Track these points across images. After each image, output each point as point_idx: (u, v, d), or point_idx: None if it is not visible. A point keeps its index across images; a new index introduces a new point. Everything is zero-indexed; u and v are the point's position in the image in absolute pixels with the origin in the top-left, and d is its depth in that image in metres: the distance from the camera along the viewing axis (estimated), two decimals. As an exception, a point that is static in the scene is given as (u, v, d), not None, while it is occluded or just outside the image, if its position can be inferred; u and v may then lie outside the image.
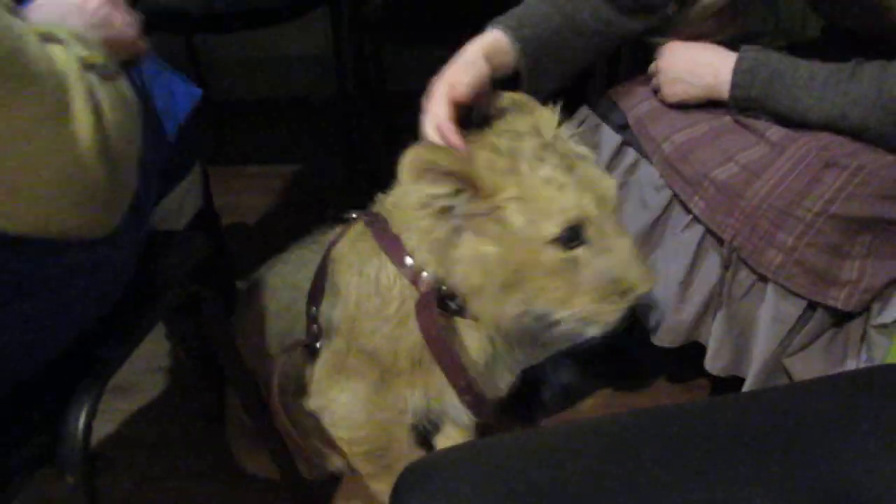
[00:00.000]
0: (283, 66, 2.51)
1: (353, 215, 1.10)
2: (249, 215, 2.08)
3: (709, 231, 1.11)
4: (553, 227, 0.87)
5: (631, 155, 1.18)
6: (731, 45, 1.14)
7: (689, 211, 1.12)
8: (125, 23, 0.94)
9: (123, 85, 0.81)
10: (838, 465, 0.69)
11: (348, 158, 2.24)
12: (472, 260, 0.90)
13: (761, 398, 0.92)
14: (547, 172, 0.87)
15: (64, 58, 0.71)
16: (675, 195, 1.13)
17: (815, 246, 1.03)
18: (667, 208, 1.15)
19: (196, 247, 1.15)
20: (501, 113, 0.98)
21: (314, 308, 1.09)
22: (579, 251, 0.88)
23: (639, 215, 1.17)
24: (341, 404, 1.11)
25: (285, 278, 1.21)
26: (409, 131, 0.95)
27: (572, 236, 0.87)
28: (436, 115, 0.93)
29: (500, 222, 0.88)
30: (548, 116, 0.97)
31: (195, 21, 1.96)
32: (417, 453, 1.14)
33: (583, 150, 0.95)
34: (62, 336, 0.92)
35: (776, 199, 1.03)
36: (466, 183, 0.87)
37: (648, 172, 1.16)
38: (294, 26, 2.09)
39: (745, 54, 1.08)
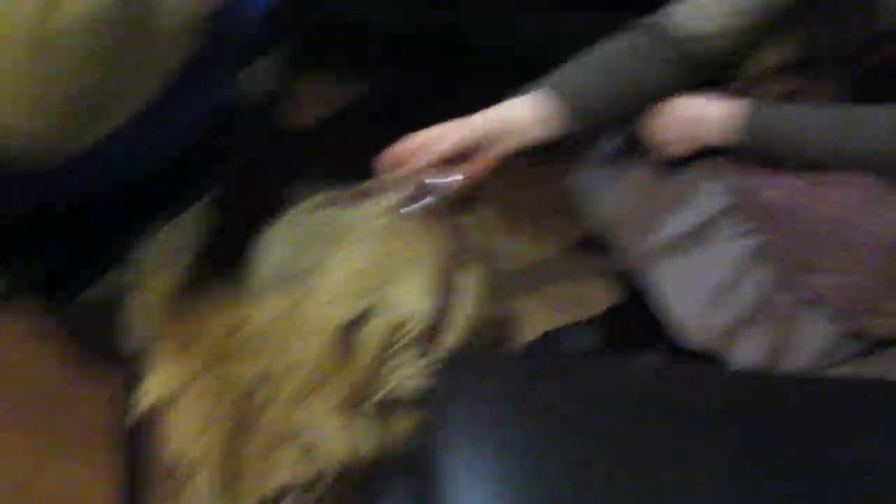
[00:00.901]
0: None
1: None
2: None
3: (758, 248, 1.09)
4: None
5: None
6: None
7: (739, 223, 1.10)
8: None
9: None
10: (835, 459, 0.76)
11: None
12: None
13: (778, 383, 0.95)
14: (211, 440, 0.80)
15: None
16: (729, 206, 1.11)
17: (866, 274, 1.01)
18: (717, 215, 1.12)
19: (258, 128, 1.16)
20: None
21: None
22: None
23: (687, 214, 1.15)
24: None
25: None
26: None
27: None
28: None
29: None
30: None
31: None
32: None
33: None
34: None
35: (827, 224, 1.02)
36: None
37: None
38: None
39: (752, 120, 1.06)
